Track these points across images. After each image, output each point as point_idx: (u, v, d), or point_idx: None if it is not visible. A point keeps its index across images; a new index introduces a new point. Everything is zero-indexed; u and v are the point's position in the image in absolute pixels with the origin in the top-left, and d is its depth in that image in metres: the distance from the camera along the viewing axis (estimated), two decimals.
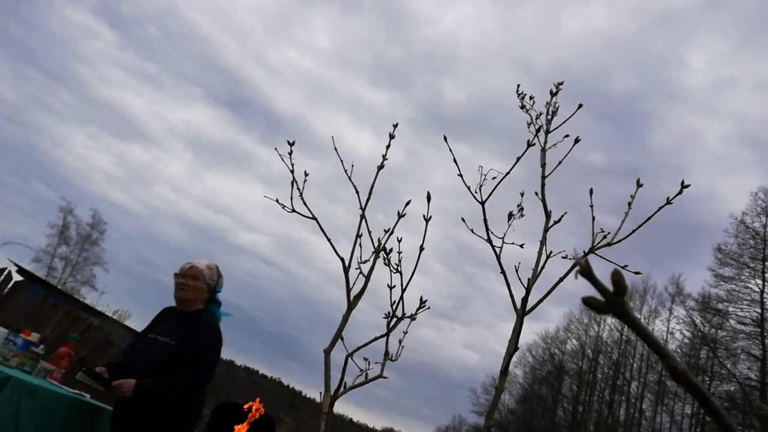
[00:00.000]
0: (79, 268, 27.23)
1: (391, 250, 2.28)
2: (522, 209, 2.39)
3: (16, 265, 6.59)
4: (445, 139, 2.24)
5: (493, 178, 2.21)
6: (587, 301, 0.39)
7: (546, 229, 2.32)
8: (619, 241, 2.09)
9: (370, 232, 2.39)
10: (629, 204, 2.21)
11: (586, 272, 0.39)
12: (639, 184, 2.22)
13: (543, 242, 2.30)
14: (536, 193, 2.31)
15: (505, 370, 2.22)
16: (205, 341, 2.65)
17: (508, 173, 2.21)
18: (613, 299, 0.38)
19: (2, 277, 5.92)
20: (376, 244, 2.38)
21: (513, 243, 2.32)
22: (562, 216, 2.29)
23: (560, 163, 2.29)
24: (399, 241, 2.30)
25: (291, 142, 2.36)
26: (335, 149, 2.36)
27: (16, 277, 6.23)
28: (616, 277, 0.39)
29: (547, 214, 2.26)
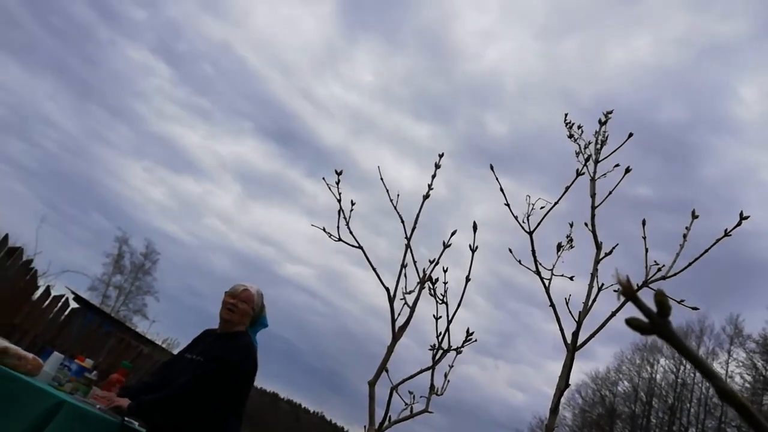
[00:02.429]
0: (131, 297, 28.06)
1: (436, 279, 2.26)
2: (571, 240, 2.33)
3: (73, 292, 6.84)
4: (492, 168, 2.23)
5: (541, 207, 2.17)
6: (631, 322, 0.38)
7: (597, 261, 2.25)
8: (675, 274, 2.01)
9: (415, 262, 2.38)
10: (684, 236, 2.13)
11: (629, 291, 0.38)
12: (694, 216, 2.15)
13: (594, 275, 2.24)
14: (586, 224, 2.26)
15: (555, 408, 2.14)
16: (233, 358, 2.59)
17: (557, 202, 2.18)
18: (656, 320, 0.36)
19: (60, 303, 6.15)
20: (420, 275, 2.36)
21: (562, 275, 2.26)
22: (614, 248, 2.23)
23: (611, 193, 2.24)
24: (445, 271, 2.28)
25: (338, 171, 2.40)
26: (381, 178, 2.38)
27: (73, 305, 6.46)
28: (660, 297, 0.37)
29: (598, 246, 2.20)
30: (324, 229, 2.40)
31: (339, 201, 2.38)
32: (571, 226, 2.32)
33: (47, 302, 5.98)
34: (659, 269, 2.05)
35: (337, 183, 2.39)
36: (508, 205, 2.20)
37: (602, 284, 2.15)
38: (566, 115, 2.39)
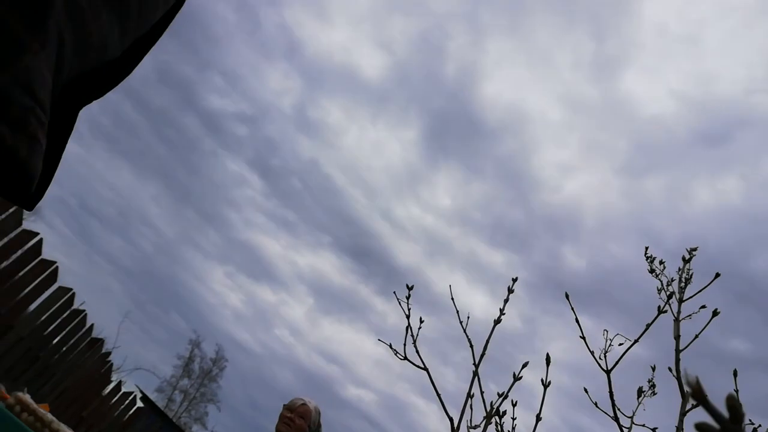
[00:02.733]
0: (195, 403, 28.03)
1: (504, 412, 2.13)
2: (654, 386, 2.16)
3: (142, 392, 6.94)
4: (567, 296, 2.15)
5: (620, 344, 2.05)
6: (700, 427, 0.35)
7: (683, 413, 2.05)
8: None
9: (482, 393, 2.26)
10: None
11: (699, 395, 0.35)
12: None
13: (679, 428, 2.03)
14: (669, 369, 2.09)
15: None
16: None
17: (638, 339, 2.04)
18: (728, 426, 0.33)
19: (128, 401, 6.24)
20: (487, 408, 2.23)
21: (644, 425, 2.07)
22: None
23: (697, 336, 2.08)
24: (514, 405, 2.15)
25: (410, 286, 2.39)
26: (452, 298, 2.34)
27: (139, 404, 6.53)
28: (732, 402, 0.34)
29: (684, 395, 2.02)
30: (390, 346, 2.36)
31: (408, 317, 2.35)
32: (653, 369, 2.15)
33: (116, 398, 6.08)
34: (755, 430, 1.84)
35: (408, 298, 2.38)
36: (583, 337, 2.09)
37: None
38: (647, 248, 2.31)
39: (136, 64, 0.65)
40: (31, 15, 0.42)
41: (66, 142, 0.58)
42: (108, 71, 0.60)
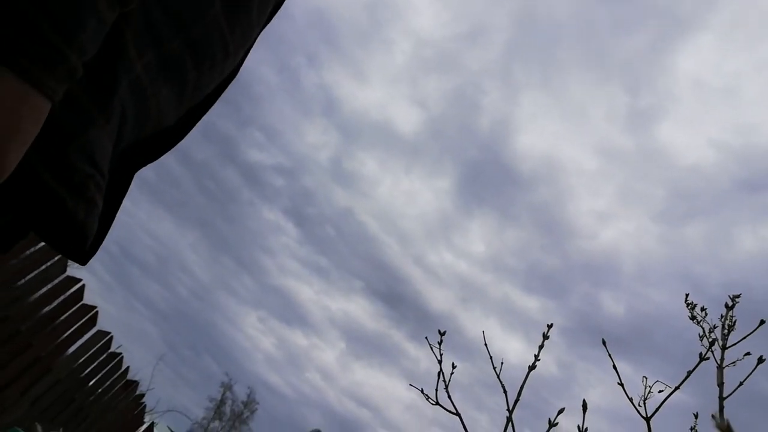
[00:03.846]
0: None
1: None
2: None
3: None
4: (604, 342, 2.11)
5: (660, 391, 2.00)
6: None
7: None
8: None
9: None
10: None
11: None
12: None
13: None
14: (713, 416, 2.02)
15: None
16: None
17: (678, 387, 1.99)
18: None
19: None
20: None
21: None
22: None
23: (741, 383, 2.02)
24: None
25: (442, 332, 2.38)
26: (485, 344, 2.33)
27: None
28: None
29: (719, 426, 1.95)
30: (422, 391, 2.34)
31: (440, 362, 2.34)
32: (696, 417, 2.08)
33: None
34: None
35: (440, 343, 2.37)
36: (621, 384, 2.04)
37: None
38: (687, 295, 2.27)
39: (189, 130, 0.69)
40: (99, 94, 0.47)
41: (121, 202, 0.62)
42: (163, 137, 0.65)
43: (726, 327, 2.19)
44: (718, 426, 0.38)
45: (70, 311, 4.07)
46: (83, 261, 0.59)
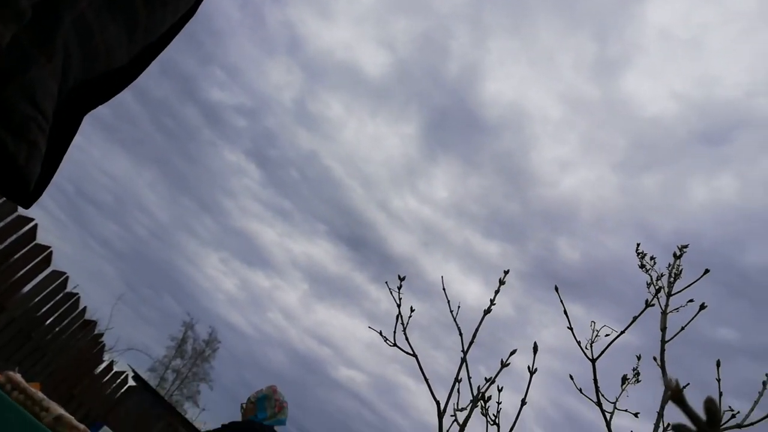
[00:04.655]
0: (187, 383, 28.15)
1: (489, 397, 2.18)
2: (638, 374, 2.21)
3: (134, 371, 6.98)
4: (556, 289, 2.19)
5: (606, 335, 2.09)
6: (678, 428, 0.37)
7: (665, 400, 2.11)
8: (751, 424, 1.84)
9: (470, 378, 2.30)
10: (764, 383, 1.98)
11: (678, 397, 0.38)
12: None
13: (660, 414, 2.09)
14: (655, 359, 2.14)
15: None
16: None
17: (623, 331, 2.09)
18: (705, 428, 0.36)
19: (120, 379, 6.28)
20: (475, 392, 2.28)
21: (626, 410, 2.13)
22: (684, 386, 2.08)
23: (683, 328, 2.13)
24: (500, 390, 2.20)
25: (401, 277, 2.43)
26: (443, 288, 2.38)
27: (131, 383, 6.58)
28: (709, 405, 0.37)
29: (667, 384, 2.08)
30: (381, 333, 2.40)
31: (398, 306, 2.38)
32: (639, 358, 2.20)
33: (108, 377, 6.12)
34: (733, 416, 1.89)
35: (399, 288, 2.42)
36: (571, 328, 2.13)
37: (668, 424, 1.99)
38: (638, 245, 2.35)
39: (143, 70, 0.67)
40: (40, 32, 0.45)
41: (69, 144, 0.61)
42: (115, 77, 0.63)
43: (672, 275, 2.29)
44: (667, 384, 0.39)
45: (23, 251, 3.97)
46: (27, 204, 0.58)
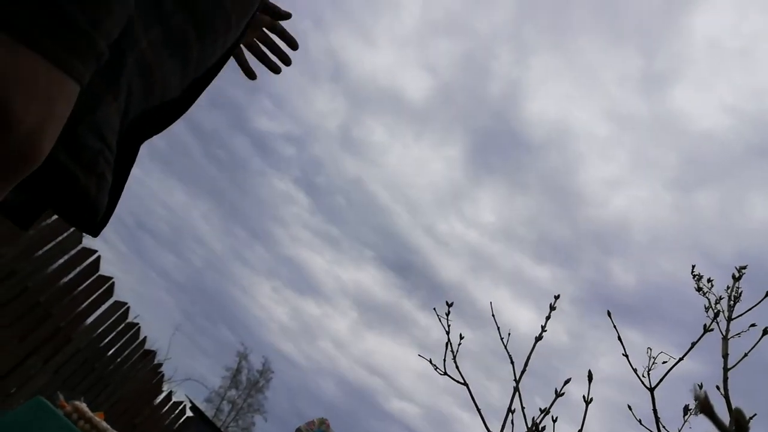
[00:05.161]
0: (242, 414, 28.38)
1: (544, 428, 2.12)
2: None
3: (191, 401, 7.10)
4: (609, 314, 2.13)
5: (664, 362, 2.02)
6: None
7: (730, 430, 2.00)
8: None
9: (523, 409, 2.25)
10: None
11: (706, 408, 0.38)
12: None
13: None
14: (717, 387, 2.04)
15: None
16: None
17: (681, 358, 2.01)
18: None
19: (178, 410, 6.41)
20: (528, 424, 2.23)
21: None
22: (751, 418, 1.97)
23: (746, 355, 2.03)
24: (554, 421, 2.13)
25: (449, 302, 2.41)
26: (492, 315, 2.35)
27: (188, 413, 6.70)
28: (738, 416, 0.36)
29: (731, 413, 1.97)
30: (431, 361, 2.38)
31: (447, 333, 2.37)
32: (701, 387, 2.11)
33: (167, 407, 6.26)
34: None
35: (447, 314, 2.40)
36: (626, 355, 2.07)
37: None
38: (693, 266, 2.27)
39: (194, 101, 0.71)
40: (108, 72, 0.48)
41: (129, 173, 0.65)
42: (168, 109, 0.67)
43: (732, 298, 2.20)
44: (696, 396, 0.39)
45: (87, 282, 4.15)
46: (95, 233, 0.62)
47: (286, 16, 1.01)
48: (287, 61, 1.04)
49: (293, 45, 1.03)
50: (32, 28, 0.33)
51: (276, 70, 1.05)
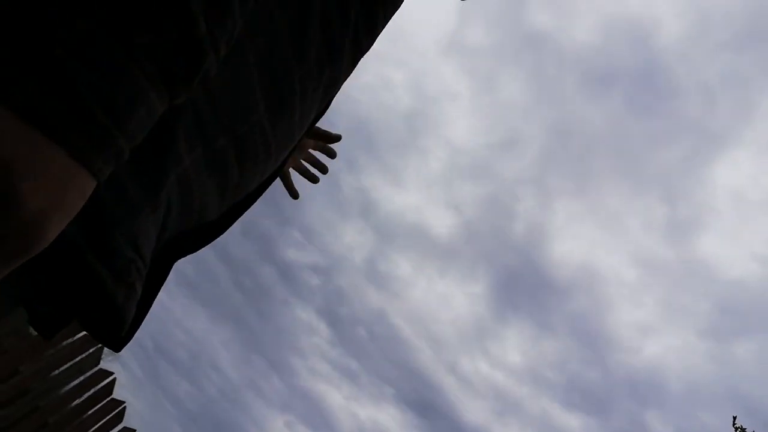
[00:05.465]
0: None
1: None
2: None
3: None
4: None
5: None
6: None
7: None
8: None
9: None
10: None
11: None
12: None
13: None
14: None
15: None
16: None
17: None
18: None
19: None
20: None
21: None
22: None
23: None
24: None
25: None
26: None
27: None
28: None
29: None
30: None
31: None
32: None
33: None
34: None
35: None
36: None
37: None
38: (735, 418, 2.16)
39: (230, 226, 0.72)
40: (149, 185, 0.49)
41: (159, 291, 0.63)
42: (204, 231, 0.68)
43: None
44: None
45: (99, 405, 4.05)
46: (118, 347, 0.59)
47: (337, 139, 1.07)
48: (324, 170, 1.09)
49: (332, 155, 1.09)
50: (54, 118, 0.32)
51: (314, 180, 1.10)
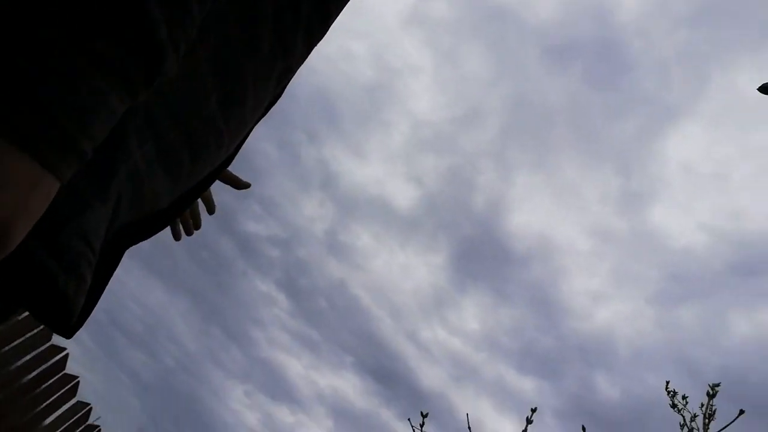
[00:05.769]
0: None
1: None
2: None
3: None
4: (584, 429, 2.10)
5: None
6: None
7: None
8: None
9: None
10: None
11: None
12: None
13: None
14: None
15: None
16: None
17: None
18: None
19: None
20: None
21: None
22: None
23: None
24: None
25: (424, 413, 2.36)
26: (468, 427, 2.30)
27: None
28: None
29: None
30: None
31: None
32: None
33: None
34: None
35: (421, 426, 2.34)
36: None
37: None
38: (668, 382, 2.27)
39: (181, 213, 0.73)
40: (98, 182, 0.50)
41: (109, 278, 0.64)
42: (155, 219, 0.68)
43: (707, 416, 2.18)
44: None
45: (51, 381, 4.00)
46: (68, 335, 0.61)
47: (246, 186, 1.06)
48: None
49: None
50: (18, 126, 0.33)
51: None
